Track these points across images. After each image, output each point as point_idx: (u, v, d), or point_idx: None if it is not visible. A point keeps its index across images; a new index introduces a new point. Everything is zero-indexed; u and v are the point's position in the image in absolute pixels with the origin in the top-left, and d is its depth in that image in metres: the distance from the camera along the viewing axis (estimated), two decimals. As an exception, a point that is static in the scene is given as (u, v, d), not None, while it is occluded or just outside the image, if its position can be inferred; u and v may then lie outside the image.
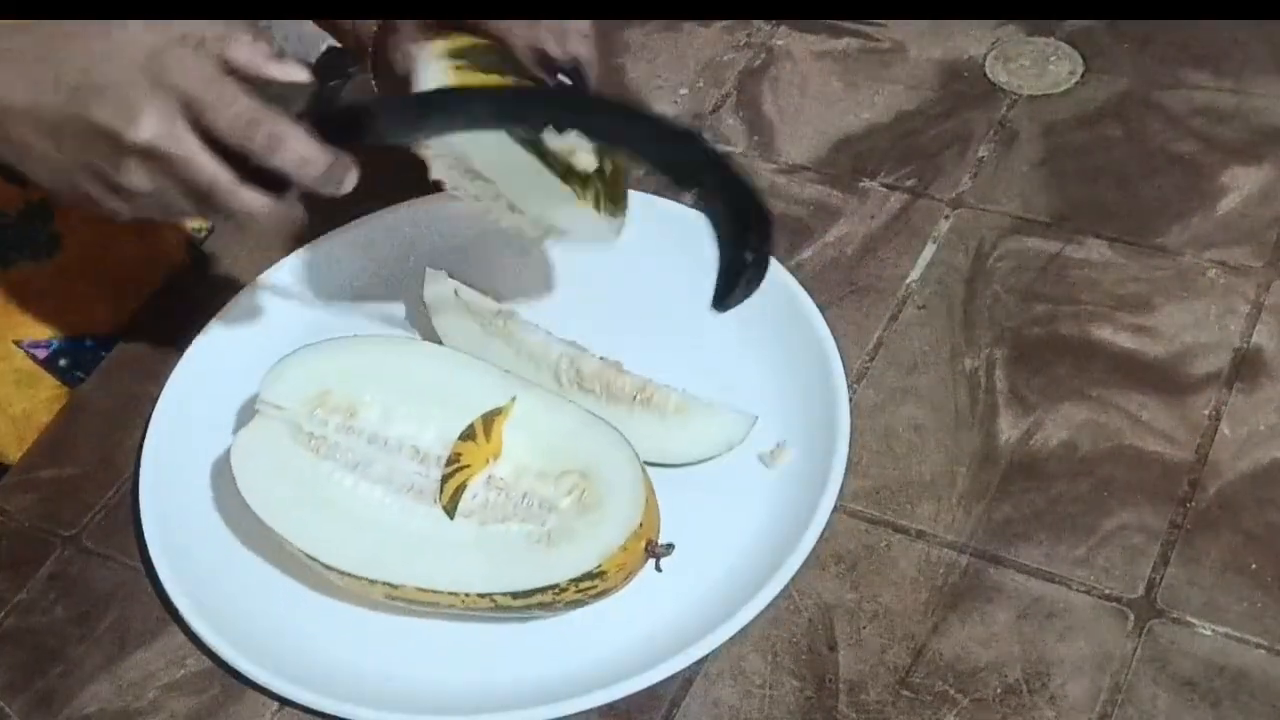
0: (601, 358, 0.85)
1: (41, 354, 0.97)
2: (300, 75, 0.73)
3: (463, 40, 0.80)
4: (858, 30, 1.10)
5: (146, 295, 1.00)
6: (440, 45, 0.78)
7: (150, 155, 0.70)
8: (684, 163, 0.74)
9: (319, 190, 0.73)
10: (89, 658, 0.79)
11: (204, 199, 0.72)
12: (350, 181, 0.73)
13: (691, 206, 0.75)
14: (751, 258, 0.73)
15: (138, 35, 0.70)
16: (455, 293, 0.88)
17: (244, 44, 0.71)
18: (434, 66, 0.77)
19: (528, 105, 0.76)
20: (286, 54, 0.74)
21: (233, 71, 0.71)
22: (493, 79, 0.78)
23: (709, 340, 0.89)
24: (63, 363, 0.97)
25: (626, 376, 0.84)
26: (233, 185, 0.71)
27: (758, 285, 0.74)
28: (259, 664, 0.76)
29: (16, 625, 0.81)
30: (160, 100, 0.69)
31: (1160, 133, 0.99)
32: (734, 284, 0.74)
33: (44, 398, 0.96)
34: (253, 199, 0.72)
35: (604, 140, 0.76)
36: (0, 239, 0.92)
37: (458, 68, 0.77)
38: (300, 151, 0.71)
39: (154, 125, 0.69)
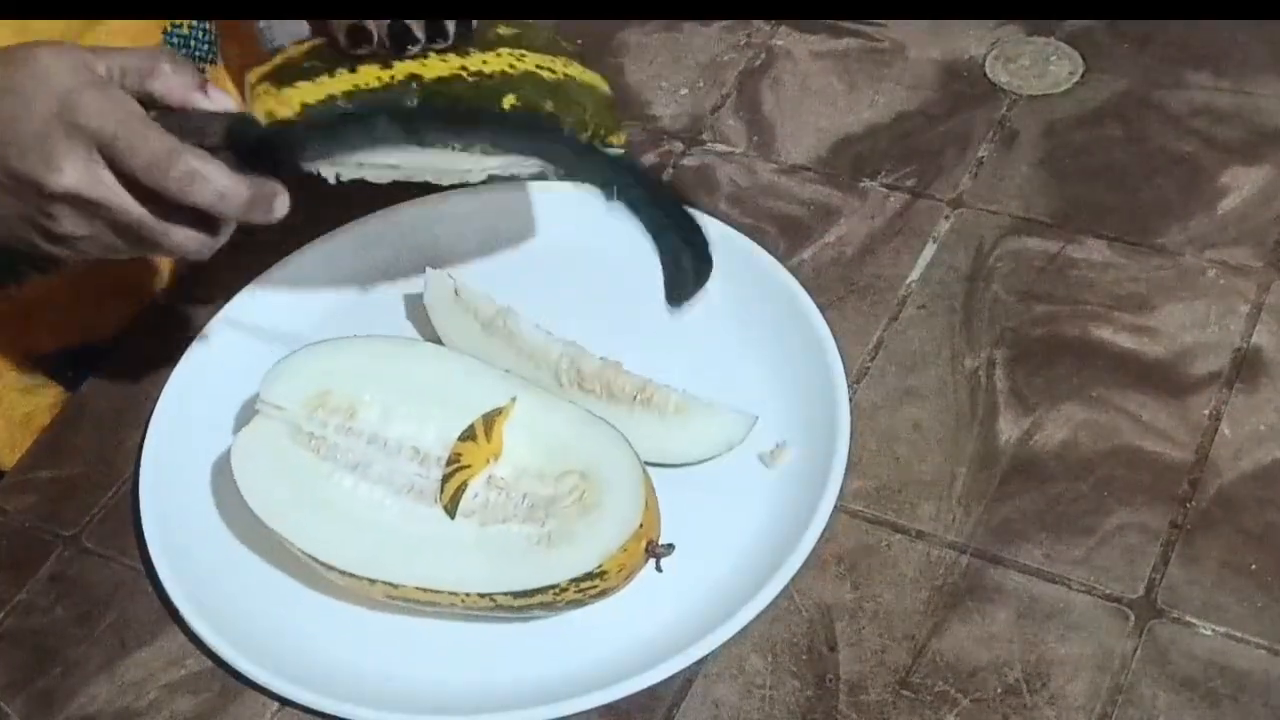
0: (601, 358, 0.85)
1: (48, 363, 0.97)
2: (225, 103, 0.72)
3: (281, 57, 0.78)
4: (858, 30, 1.10)
5: (150, 299, 1.00)
6: (255, 71, 0.78)
7: (75, 202, 0.69)
8: (596, 174, 0.74)
9: (247, 220, 0.71)
10: (89, 658, 0.79)
11: (137, 239, 0.71)
12: (280, 207, 0.72)
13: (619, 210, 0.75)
14: (690, 260, 0.74)
15: (53, 76, 0.68)
16: (455, 293, 0.88)
17: (165, 75, 0.70)
18: (250, 94, 0.77)
19: (435, 122, 0.74)
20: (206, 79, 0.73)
21: (154, 104, 0.70)
22: (314, 83, 0.76)
23: (709, 340, 0.89)
24: (69, 372, 0.97)
25: (626, 376, 0.84)
26: (160, 225, 0.70)
27: (707, 275, 0.75)
28: (259, 664, 0.76)
29: (16, 625, 0.81)
30: (77, 146, 0.68)
31: (1160, 133, 0.99)
32: (682, 284, 0.75)
33: (47, 403, 0.96)
34: (184, 237, 0.71)
35: (510, 152, 0.74)
36: (10, 249, 0.92)
37: (264, 91, 0.76)
38: (217, 186, 0.69)
39: (73, 173, 0.68)
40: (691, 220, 0.74)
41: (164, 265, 1.00)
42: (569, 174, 0.77)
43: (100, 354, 0.97)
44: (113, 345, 0.97)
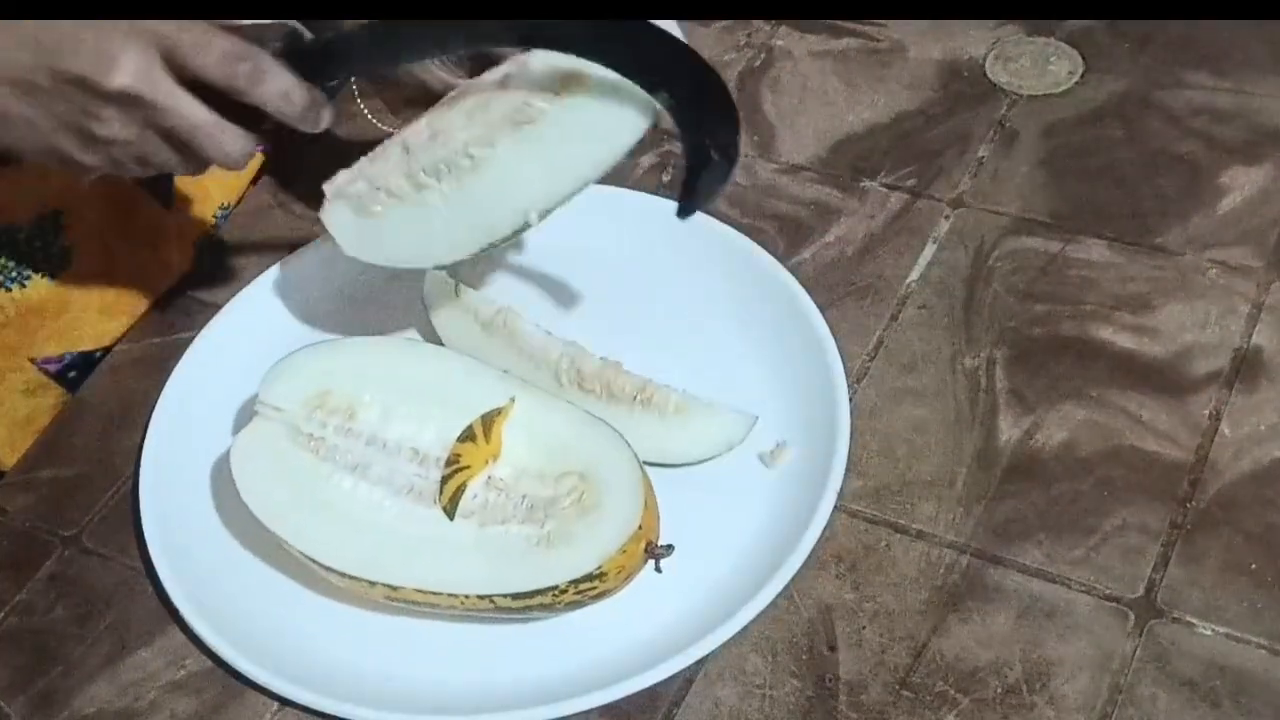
0: (601, 358, 0.85)
1: (53, 368, 0.97)
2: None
3: None
4: (858, 30, 1.10)
5: (153, 302, 1.00)
6: None
7: (128, 101, 0.70)
8: (649, 60, 0.73)
9: (298, 126, 0.73)
10: (89, 658, 0.79)
11: (184, 144, 0.72)
12: (326, 118, 0.75)
13: (659, 104, 0.74)
14: (716, 154, 0.73)
15: None
16: (455, 292, 0.88)
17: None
18: None
19: (491, 27, 0.75)
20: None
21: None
22: None
23: (709, 340, 0.89)
24: (72, 375, 0.97)
25: (626, 376, 0.84)
26: (218, 125, 0.71)
27: (722, 186, 0.74)
28: (259, 664, 0.76)
29: (16, 625, 0.81)
30: (138, 45, 0.69)
31: (1160, 133, 0.99)
32: (696, 181, 0.74)
33: (49, 405, 0.96)
34: (235, 139, 0.73)
35: (568, 49, 0.74)
36: (14, 253, 0.92)
37: None
38: (282, 85, 0.71)
39: (131, 70, 0.69)
40: (733, 123, 0.74)
41: (168, 265, 1.00)
42: (630, 71, 0.74)
43: (101, 358, 0.97)
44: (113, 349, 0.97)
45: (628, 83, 0.74)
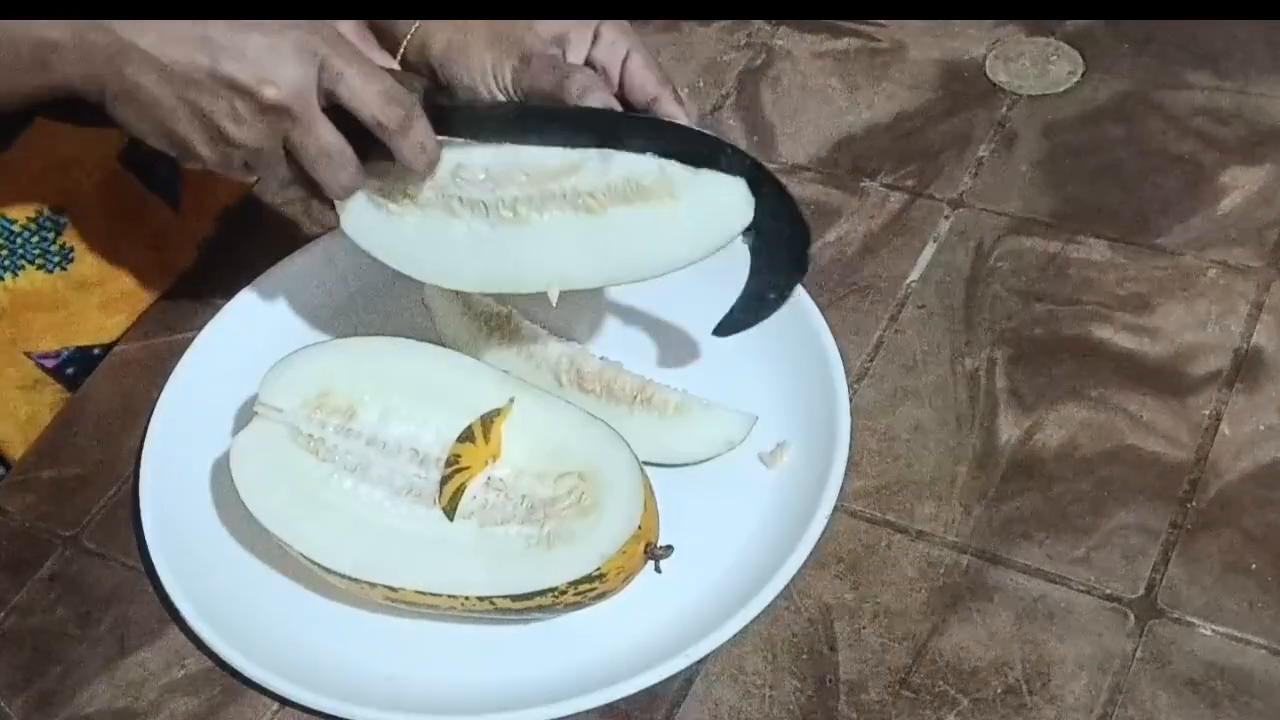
0: (602, 358, 0.85)
1: (50, 363, 0.97)
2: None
3: None
4: (858, 30, 1.10)
5: (154, 301, 1.00)
6: None
7: (275, 113, 0.71)
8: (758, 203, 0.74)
9: (413, 169, 0.75)
10: (89, 658, 0.79)
11: (304, 162, 0.74)
12: (433, 169, 0.77)
13: (745, 241, 0.76)
14: (774, 297, 0.77)
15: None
16: (456, 292, 0.88)
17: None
18: None
19: (620, 126, 0.75)
20: None
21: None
22: None
23: (709, 340, 0.89)
24: (70, 371, 0.97)
25: (626, 376, 0.84)
26: (346, 156, 0.74)
27: (763, 319, 0.78)
28: (259, 664, 0.76)
29: (16, 625, 0.81)
30: (300, 61, 0.71)
31: (1160, 133, 0.99)
32: (746, 314, 0.78)
33: (48, 402, 0.96)
34: (355, 173, 0.75)
35: (689, 162, 0.74)
36: (10, 248, 0.92)
37: None
38: (422, 139, 0.74)
39: (289, 87, 0.71)
40: (801, 275, 0.78)
41: (166, 274, 1.00)
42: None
43: (100, 355, 0.97)
44: (112, 346, 0.97)
45: (706, 220, 0.74)
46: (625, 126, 0.75)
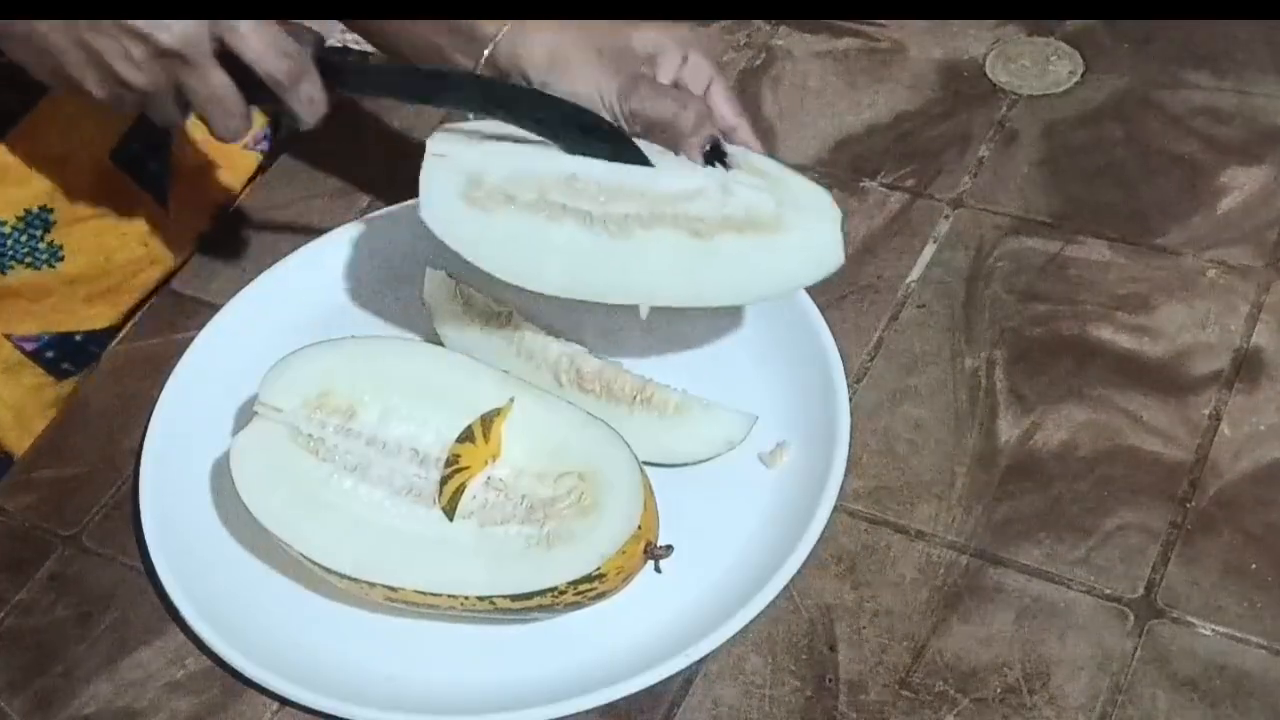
0: (601, 358, 0.85)
1: (30, 346, 0.97)
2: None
3: None
4: (858, 30, 1.10)
5: (142, 295, 1.00)
6: None
7: (169, 57, 0.73)
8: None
9: (299, 126, 0.79)
10: (89, 658, 0.79)
11: (194, 106, 0.77)
12: (320, 122, 0.79)
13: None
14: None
15: None
16: (456, 292, 0.88)
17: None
18: None
19: (502, 93, 0.81)
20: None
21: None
22: None
23: (709, 340, 0.89)
24: (50, 354, 0.97)
25: (626, 376, 0.84)
26: (237, 103, 0.76)
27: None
28: (259, 664, 0.76)
29: (16, 625, 0.81)
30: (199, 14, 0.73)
31: (1160, 133, 0.99)
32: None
33: (28, 385, 0.97)
34: (245, 119, 0.78)
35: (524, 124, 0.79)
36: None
37: None
38: (312, 92, 0.77)
39: (184, 32, 0.73)
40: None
41: (156, 270, 1.00)
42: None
43: (85, 343, 0.97)
44: (98, 335, 0.97)
45: (804, 257, 0.78)
46: (507, 95, 0.80)
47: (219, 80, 0.75)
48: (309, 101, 0.77)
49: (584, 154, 0.79)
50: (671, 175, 0.78)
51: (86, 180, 0.94)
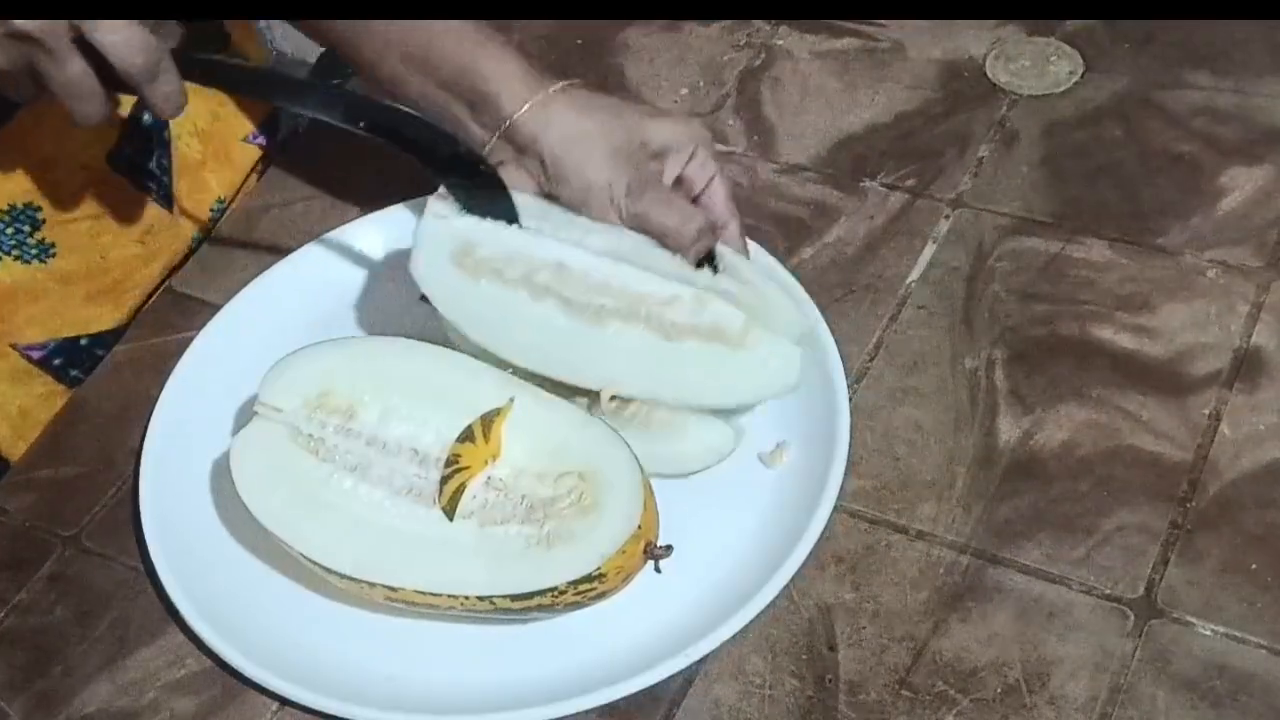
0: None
1: (37, 354, 0.97)
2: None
3: None
4: (858, 30, 1.10)
5: (144, 294, 1.00)
6: None
7: (26, 41, 0.73)
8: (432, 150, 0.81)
9: (156, 115, 0.81)
10: (89, 658, 0.79)
11: (57, 90, 0.76)
12: (182, 114, 0.80)
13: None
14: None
15: None
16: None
17: None
18: None
19: (363, 108, 0.82)
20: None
21: None
22: None
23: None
24: (57, 361, 0.97)
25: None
26: (94, 92, 0.76)
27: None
28: (259, 664, 0.76)
29: (16, 625, 0.81)
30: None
31: (1160, 133, 0.99)
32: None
33: (38, 394, 0.97)
34: (101, 107, 0.77)
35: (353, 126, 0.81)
36: None
37: None
38: (171, 89, 0.77)
39: (43, 21, 0.72)
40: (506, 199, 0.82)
41: (155, 267, 1.00)
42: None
43: (91, 347, 0.97)
44: (103, 338, 0.97)
45: (760, 373, 0.81)
46: (368, 110, 0.81)
47: (76, 68, 0.75)
48: (164, 97, 0.77)
49: (449, 182, 0.82)
50: (651, 280, 0.81)
51: (78, 182, 0.94)
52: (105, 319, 0.98)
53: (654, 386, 0.81)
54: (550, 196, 0.84)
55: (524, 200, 0.83)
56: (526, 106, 0.83)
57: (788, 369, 0.81)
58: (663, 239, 0.82)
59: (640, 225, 0.82)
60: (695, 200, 0.85)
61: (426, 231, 0.82)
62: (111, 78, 0.76)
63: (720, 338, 0.80)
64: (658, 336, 0.80)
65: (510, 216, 0.82)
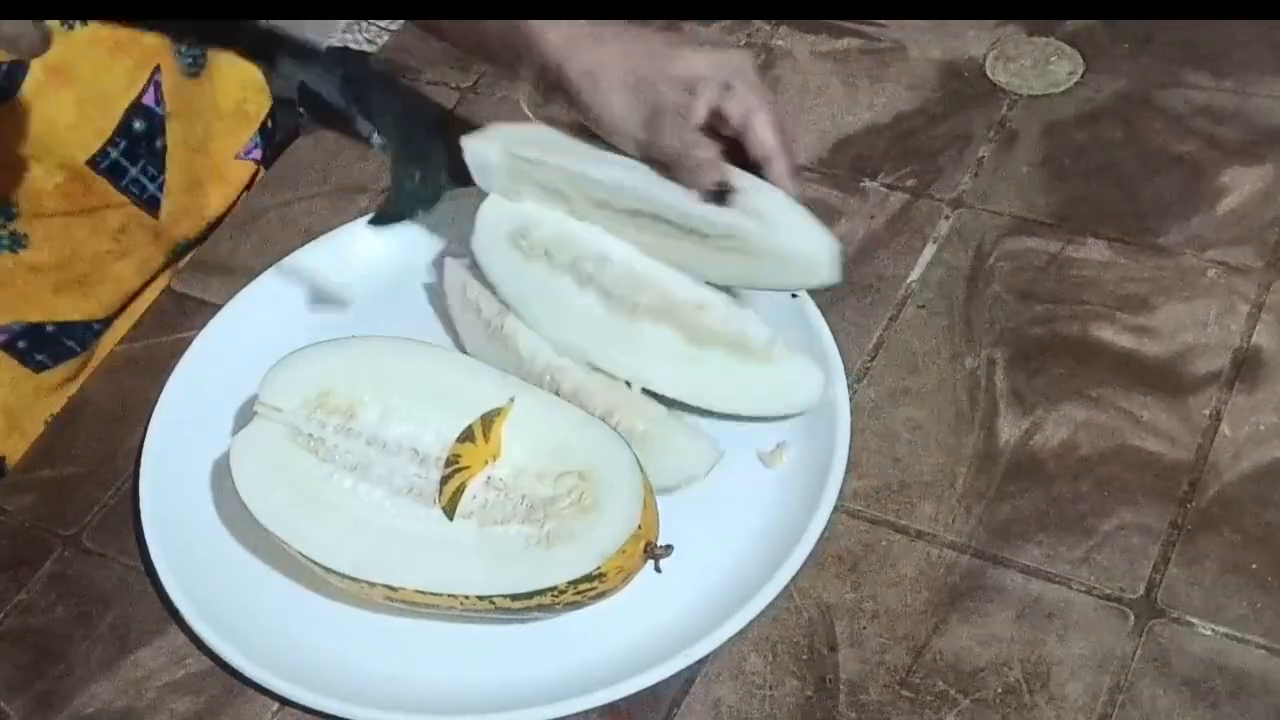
0: (582, 372, 0.85)
1: (1, 337, 0.96)
2: None
3: None
4: (858, 30, 1.10)
5: (121, 293, 1.00)
6: None
7: None
8: (367, 93, 0.79)
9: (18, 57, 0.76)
10: (89, 658, 0.79)
11: None
12: (46, 47, 0.72)
13: (372, 141, 0.81)
14: (416, 181, 0.80)
15: None
16: (465, 293, 0.89)
17: None
18: None
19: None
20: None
21: None
22: None
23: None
24: (21, 345, 0.97)
25: (599, 397, 0.83)
26: None
27: (422, 209, 0.81)
28: (259, 664, 0.76)
29: (16, 625, 0.81)
30: None
31: (1160, 133, 0.99)
32: (396, 204, 0.81)
33: (6, 380, 0.97)
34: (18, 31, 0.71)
35: (292, 77, 0.79)
36: None
37: None
38: (11, 31, 0.69)
39: None
40: (438, 159, 0.80)
41: (129, 264, 1.00)
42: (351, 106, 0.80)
43: (58, 335, 0.97)
44: (73, 327, 0.97)
45: (782, 391, 0.83)
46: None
47: None
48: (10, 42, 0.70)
49: (374, 112, 0.80)
50: (686, 284, 0.83)
51: (56, 183, 0.94)
52: (74, 310, 0.98)
53: (678, 387, 0.83)
54: (585, 130, 0.84)
55: (530, 129, 0.84)
56: (554, 41, 0.82)
57: (810, 388, 0.83)
58: (670, 169, 0.81)
59: (648, 154, 0.81)
60: (734, 136, 0.81)
61: (486, 213, 0.86)
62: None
63: (745, 348, 0.82)
64: (686, 340, 0.83)
65: (436, 180, 0.82)
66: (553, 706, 0.72)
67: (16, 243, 0.95)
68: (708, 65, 0.81)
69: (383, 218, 0.83)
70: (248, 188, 1.07)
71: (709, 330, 0.82)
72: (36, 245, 0.95)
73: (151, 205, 1.00)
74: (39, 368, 0.98)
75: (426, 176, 0.81)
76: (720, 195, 0.80)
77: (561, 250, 0.84)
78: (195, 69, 1.02)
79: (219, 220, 1.05)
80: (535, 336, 0.86)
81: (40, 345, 0.97)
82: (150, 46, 0.96)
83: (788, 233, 0.80)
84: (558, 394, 0.83)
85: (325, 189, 1.04)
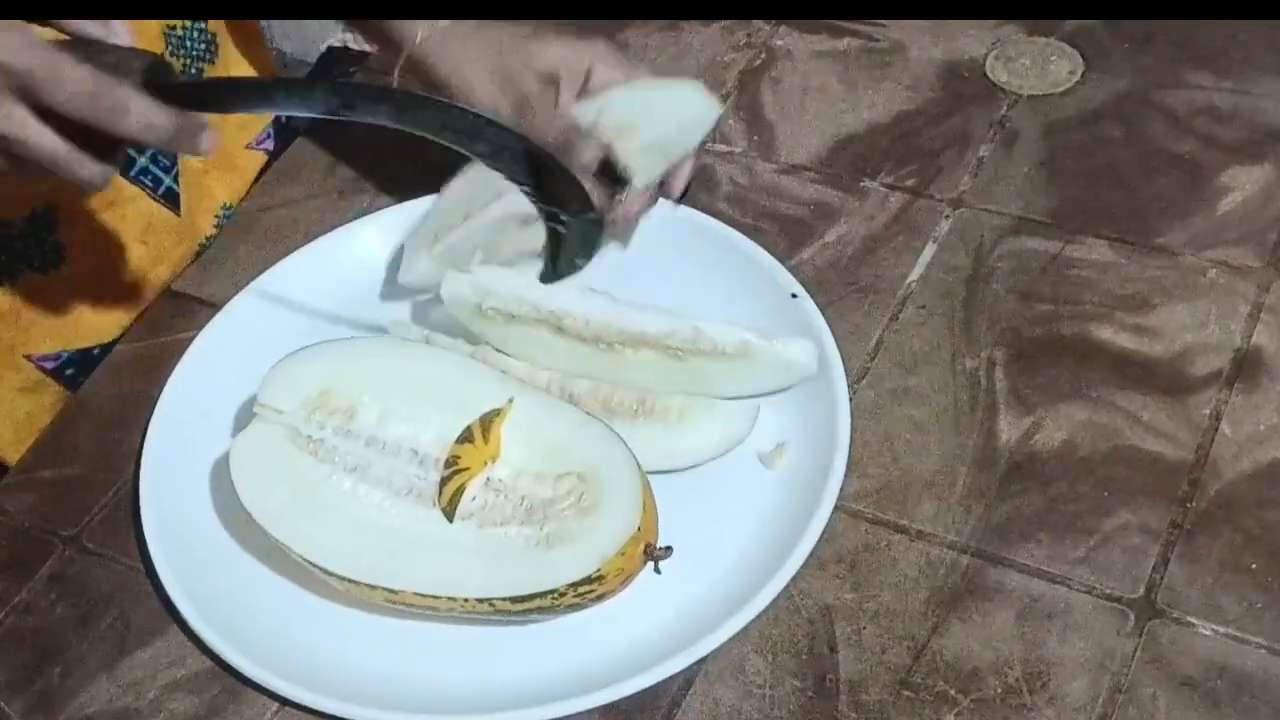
0: (595, 380, 0.85)
1: (50, 365, 0.97)
2: (124, 36, 0.72)
3: None
4: (858, 30, 1.10)
5: (151, 300, 1.00)
6: None
7: None
8: (489, 143, 0.73)
9: (174, 150, 0.76)
10: (89, 658, 0.79)
11: (41, 170, 0.72)
12: (206, 142, 0.73)
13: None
14: (565, 225, 0.75)
15: None
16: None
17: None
18: None
19: (361, 97, 0.74)
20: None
21: (63, 40, 0.71)
22: None
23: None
24: (70, 372, 0.97)
25: (621, 390, 0.84)
26: (73, 156, 0.71)
27: (592, 249, 0.77)
28: (259, 664, 0.76)
29: (16, 625, 0.81)
30: None
31: (1160, 133, 0.99)
32: (555, 254, 0.77)
33: (48, 403, 0.97)
34: (91, 168, 0.72)
35: (419, 128, 0.74)
36: (7, 250, 0.92)
37: None
38: (145, 118, 0.70)
39: None
40: (574, 193, 0.75)
41: (162, 271, 1.00)
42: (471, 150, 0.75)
43: (100, 355, 0.97)
44: (112, 346, 0.97)
45: (775, 371, 0.83)
46: (363, 96, 0.74)
47: (46, 141, 0.70)
48: (148, 130, 0.71)
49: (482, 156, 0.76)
50: (646, 316, 0.84)
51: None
52: (115, 328, 0.98)
53: (681, 387, 0.84)
54: None
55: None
56: (420, 39, 0.83)
57: (803, 359, 0.83)
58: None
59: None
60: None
61: (449, 290, 0.86)
62: (90, 137, 0.71)
63: (724, 356, 0.83)
64: (670, 358, 0.84)
65: (582, 200, 0.77)
66: (553, 706, 0.72)
67: (58, 257, 0.94)
68: (562, 55, 0.83)
69: (551, 276, 0.80)
70: (258, 178, 1.07)
71: (685, 348, 0.84)
72: (72, 257, 0.95)
73: (170, 201, 1.00)
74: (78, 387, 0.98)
75: (571, 209, 0.77)
76: (610, 174, 0.81)
77: (525, 312, 0.85)
78: (208, 57, 1.02)
79: (228, 215, 1.05)
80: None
81: (87, 370, 0.97)
82: (149, 37, 0.96)
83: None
84: (573, 401, 0.83)
85: (325, 189, 1.04)
